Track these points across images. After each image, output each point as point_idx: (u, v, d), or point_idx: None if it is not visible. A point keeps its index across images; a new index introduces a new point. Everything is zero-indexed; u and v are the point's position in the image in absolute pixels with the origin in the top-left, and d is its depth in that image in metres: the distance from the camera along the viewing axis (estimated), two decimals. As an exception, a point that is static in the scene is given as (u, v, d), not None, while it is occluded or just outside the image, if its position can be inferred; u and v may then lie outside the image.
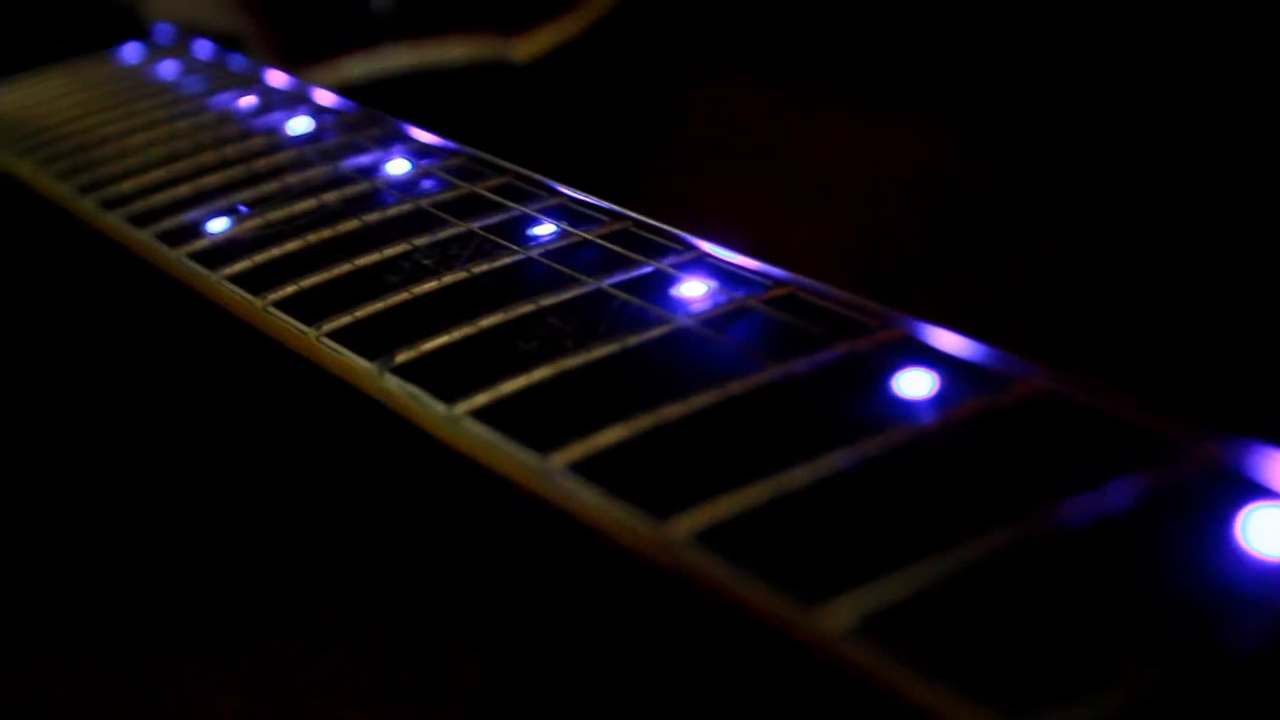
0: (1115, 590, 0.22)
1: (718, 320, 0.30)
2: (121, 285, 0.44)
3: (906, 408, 0.27)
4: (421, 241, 0.36)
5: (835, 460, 0.25)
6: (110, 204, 0.42)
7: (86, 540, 0.41)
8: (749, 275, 0.32)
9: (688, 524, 0.24)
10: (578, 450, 0.27)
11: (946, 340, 0.28)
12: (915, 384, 0.27)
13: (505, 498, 0.28)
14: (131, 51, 0.55)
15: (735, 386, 0.28)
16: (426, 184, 0.39)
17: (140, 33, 0.57)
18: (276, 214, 0.39)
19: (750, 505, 0.25)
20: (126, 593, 0.39)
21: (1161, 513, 0.23)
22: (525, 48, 0.56)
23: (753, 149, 0.60)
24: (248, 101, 0.47)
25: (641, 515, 0.25)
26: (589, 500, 0.26)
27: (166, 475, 0.43)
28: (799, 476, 0.25)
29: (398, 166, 0.41)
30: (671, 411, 0.27)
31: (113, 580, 0.39)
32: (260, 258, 0.37)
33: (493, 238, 0.36)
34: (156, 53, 0.55)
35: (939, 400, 0.27)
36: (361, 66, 0.57)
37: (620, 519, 0.25)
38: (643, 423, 0.27)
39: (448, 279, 0.34)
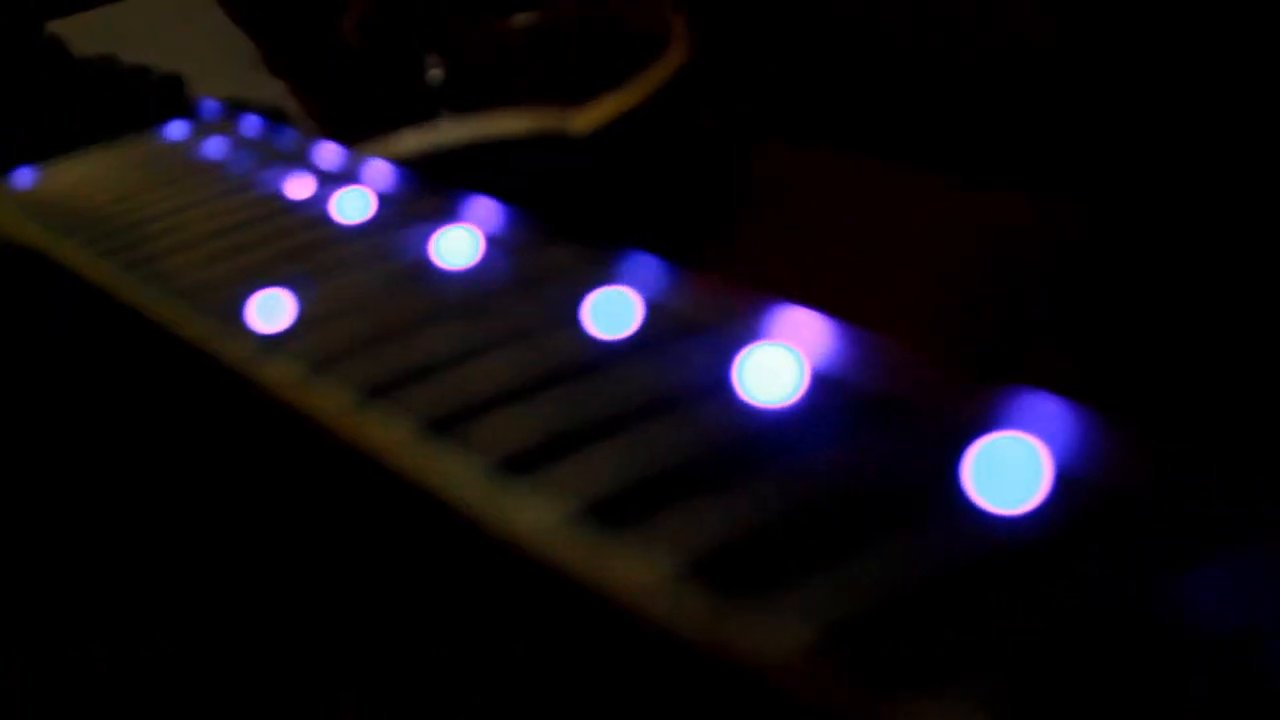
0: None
1: (809, 394, 0.29)
2: (167, 366, 0.42)
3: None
4: (479, 316, 0.34)
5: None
6: (158, 286, 0.41)
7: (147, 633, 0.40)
8: (818, 345, 0.30)
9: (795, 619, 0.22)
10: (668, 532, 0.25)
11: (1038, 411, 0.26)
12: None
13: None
14: (177, 129, 0.54)
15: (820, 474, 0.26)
16: (484, 256, 0.38)
17: (186, 109, 0.56)
18: (333, 293, 0.37)
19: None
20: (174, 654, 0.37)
21: None
22: (585, 119, 0.55)
23: (826, 220, 0.59)
24: (299, 178, 0.46)
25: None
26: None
27: (213, 553, 0.41)
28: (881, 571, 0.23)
29: (455, 240, 0.39)
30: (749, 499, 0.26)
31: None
32: (317, 340, 0.35)
33: (555, 310, 0.34)
34: (202, 129, 0.53)
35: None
36: (416, 141, 0.56)
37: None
38: (726, 497, 0.26)
39: (507, 353, 0.32)
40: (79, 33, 0.73)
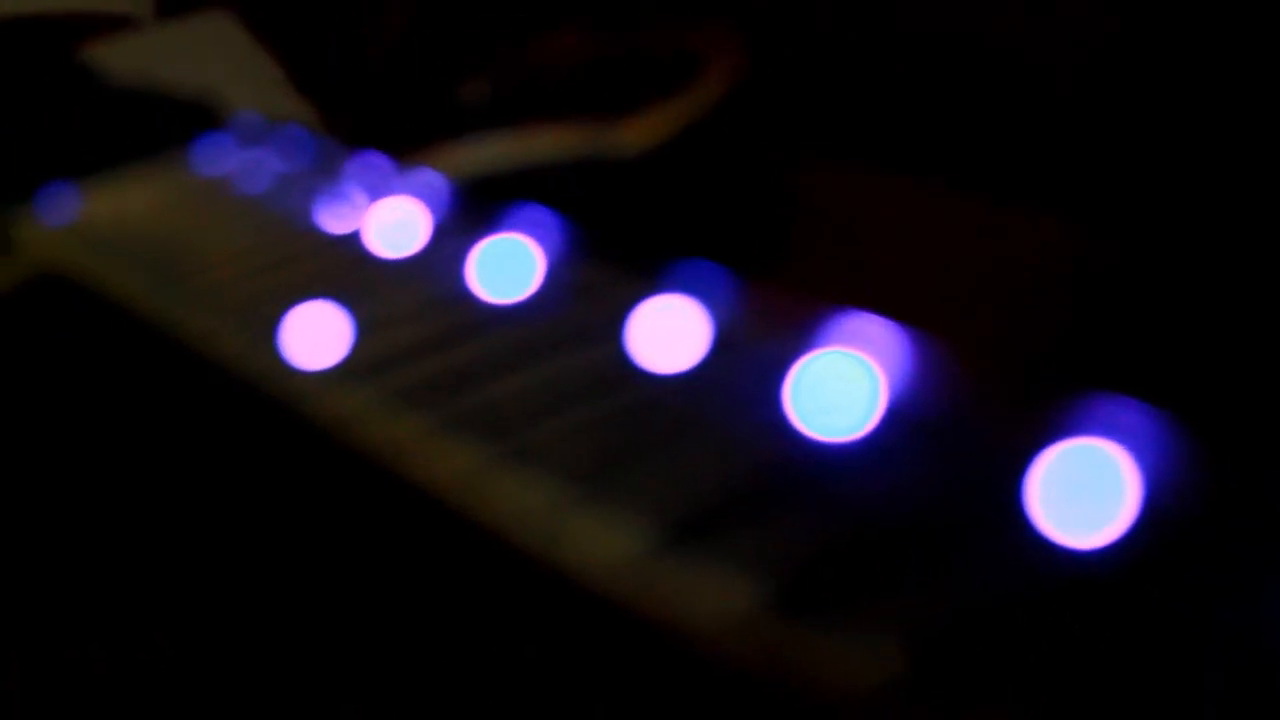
0: None
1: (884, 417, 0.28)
2: (208, 388, 0.42)
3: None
4: (520, 330, 0.34)
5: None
6: (196, 306, 0.40)
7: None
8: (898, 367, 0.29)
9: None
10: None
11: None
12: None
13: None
14: (211, 148, 0.53)
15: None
16: (525, 275, 0.37)
17: (220, 129, 0.56)
18: (375, 314, 0.36)
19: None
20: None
21: None
22: (632, 137, 0.54)
23: (877, 238, 0.59)
24: (333, 196, 0.45)
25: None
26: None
27: (269, 598, 0.41)
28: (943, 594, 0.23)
29: (495, 257, 0.38)
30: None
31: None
32: (361, 360, 0.35)
33: (602, 326, 0.33)
34: (238, 147, 0.53)
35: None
36: (458, 159, 0.55)
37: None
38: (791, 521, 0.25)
39: (554, 368, 0.32)
40: (111, 56, 0.72)
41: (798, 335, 0.31)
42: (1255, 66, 0.61)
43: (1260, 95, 0.61)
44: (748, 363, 0.31)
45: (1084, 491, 0.24)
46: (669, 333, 0.32)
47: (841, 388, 0.29)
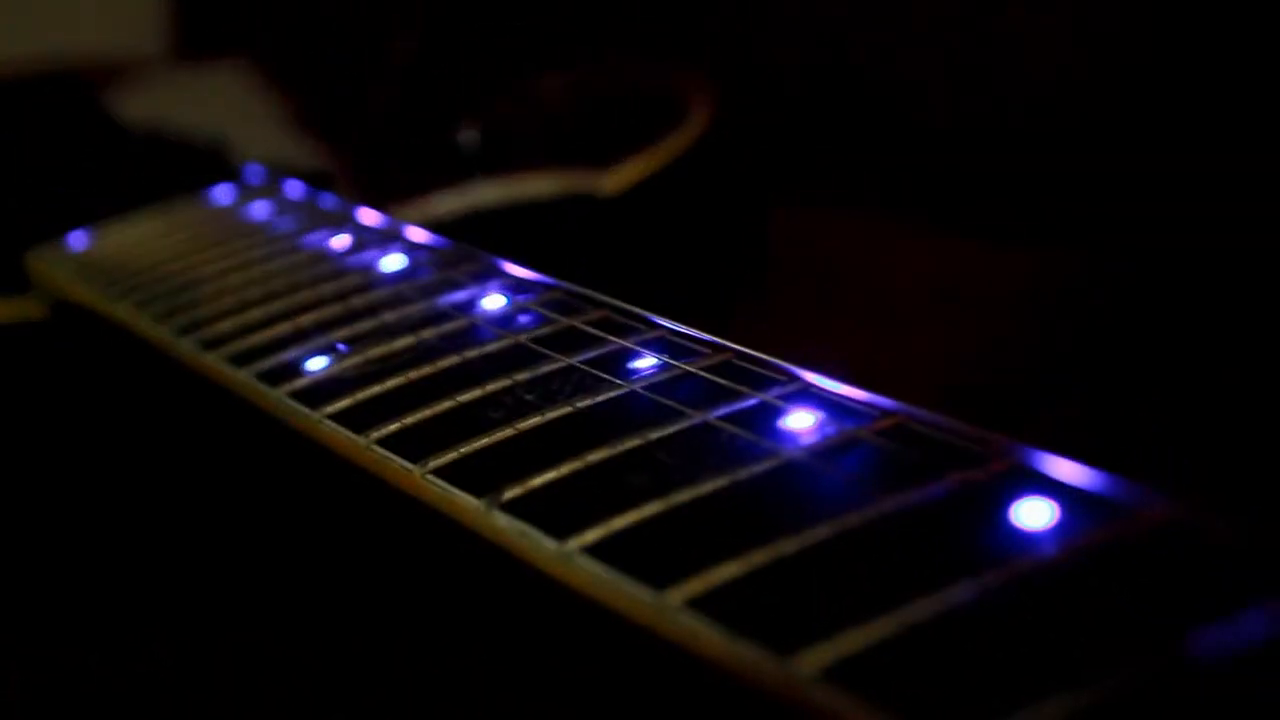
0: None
1: (827, 452, 0.30)
2: (221, 426, 0.44)
3: (1025, 539, 0.26)
4: (522, 377, 0.36)
5: (958, 593, 0.25)
6: (208, 345, 0.42)
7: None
8: (855, 405, 0.32)
9: (813, 660, 0.24)
10: (695, 586, 0.26)
11: (1063, 468, 0.28)
12: (1034, 514, 0.27)
13: (619, 635, 0.28)
14: (223, 192, 0.56)
15: (850, 519, 0.27)
16: (523, 319, 0.39)
17: (231, 174, 0.58)
18: (375, 351, 0.39)
19: (874, 640, 0.24)
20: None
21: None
22: (613, 181, 0.56)
23: (844, 276, 0.60)
24: (341, 240, 0.48)
25: (765, 652, 0.25)
26: (708, 637, 0.25)
27: (267, 609, 0.43)
28: (922, 610, 0.25)
29: (494, 302, 0.41)
30: (787, 545, 0.27)
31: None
32: (361, 395, 0.37)
33: (594, 372, 0.35)
34: (248, 193, 0.55)
35: (1059, 531, 0.26)
36: (451, 203, 0.57)
37: (742, 656, 0.25)
38: (759, 557, 0.27)
39: (551, 414, 0.34)
40: (130, 100, 0.74)
41: (772, 381, 0.33)
42: (1243, 74, 0.62)
43: (1245, 102, 0.62)
44: (749, 419, 0.32)
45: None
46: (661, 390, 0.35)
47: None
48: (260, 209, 0.53)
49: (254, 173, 0.58)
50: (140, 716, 0.41)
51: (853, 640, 0.24)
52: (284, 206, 0.53)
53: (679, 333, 0.37)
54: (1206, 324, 0.55)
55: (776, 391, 0.33)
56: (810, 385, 0.33)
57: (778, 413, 0.32)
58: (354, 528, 0.42)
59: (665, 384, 0.34)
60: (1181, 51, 0.64)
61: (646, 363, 0.35)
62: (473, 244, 0.45)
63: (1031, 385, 0.52)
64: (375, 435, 0.35)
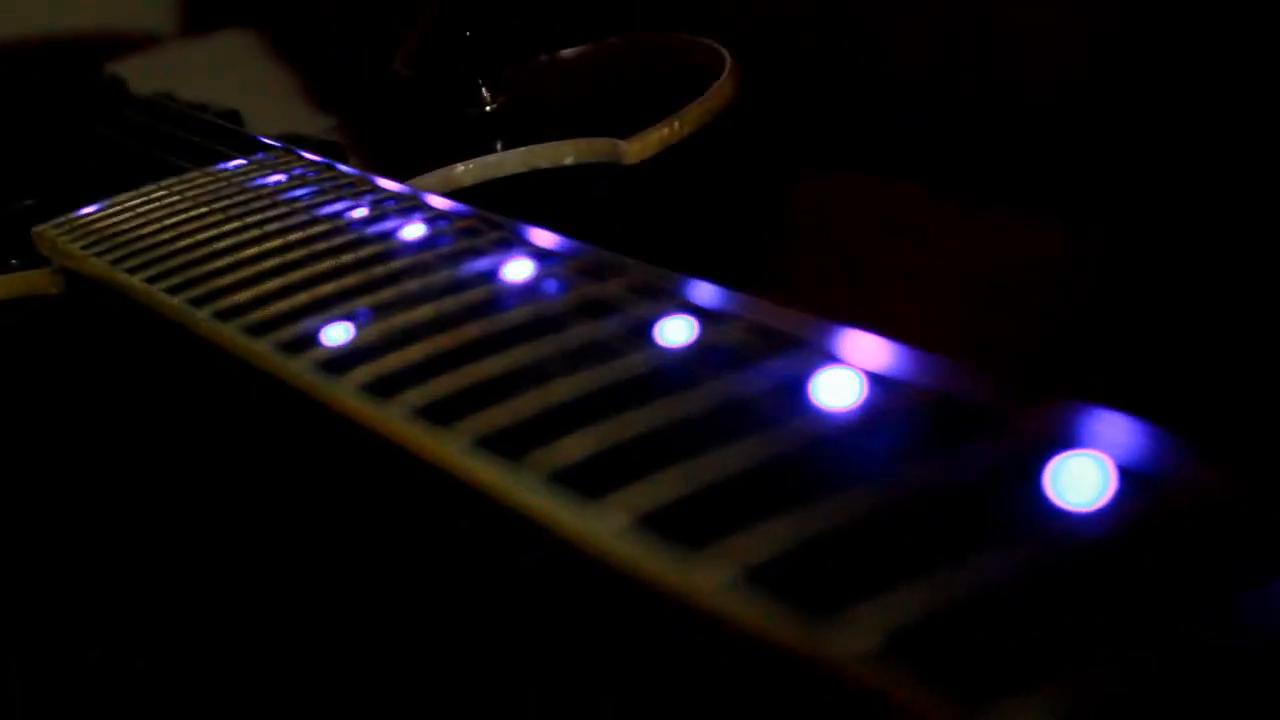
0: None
1: (866, 416, 0.29)
2: (239, 399, 0.43)
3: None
4: (547, 342, 0.35)
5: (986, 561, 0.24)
6: (225, 315, 0.41)
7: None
8: (893, 370, 0.31)
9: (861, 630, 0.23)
10: (737, 551, 0.26)
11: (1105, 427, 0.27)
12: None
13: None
14: (238, 164, 0.55)
15: (891, 484, 0.27)
16: (549, 285, 0.39)
17: (245, 145, 0.57)
18: (398, 320, 0.38)
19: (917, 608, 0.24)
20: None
21: None
22: (635, 150, 0.56)
23: (867, 244, 0.59)
24: (359, 209, 0.47)
25: (807, 618, 0.24)
26: (748, 607, 0.25)
27: (280, 599, 0.42)
28: (960, 579, 0.24)
29: (518, 269, 0.40)
30: (829, 510, 0.26)
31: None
32: (384, 365, 0.36)
33: (623, 336, 0.35)
34: (263, 164, 0.54)
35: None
36: (469, 172, 0.56)
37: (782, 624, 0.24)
38: (800, 522, 0.26)
39: (576, 381, 0.33)
40: (137, 72, 0.74)
41: (799, 342, 0.32)
42: (1249, 69, 0.61)
43: (1251, 98, 0.61)
44: (751, 368, 0.32)
45: (1075, 493, 0.26)
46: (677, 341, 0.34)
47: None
48: (275, 179, 0.52)
49: (268, 143, 0.57)
50: (141, 714, 0.40)
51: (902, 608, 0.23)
52: (300, 176, 0.52)
53: (706, 298, 0.36)
54: (1227, 307, 0.54)
55: (806, 356, 0.32)
56: (842, 349, 0.32)
57: (810, 376, 0.31)
58: (372, 504, 0.41)
59: (693, 349, 0.34)
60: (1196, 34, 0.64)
61: (676, 330, 0.34)
62: (492, 213, 0.44)
63: (1055, 360, 0.52)
64: (400, 403, 0.34)
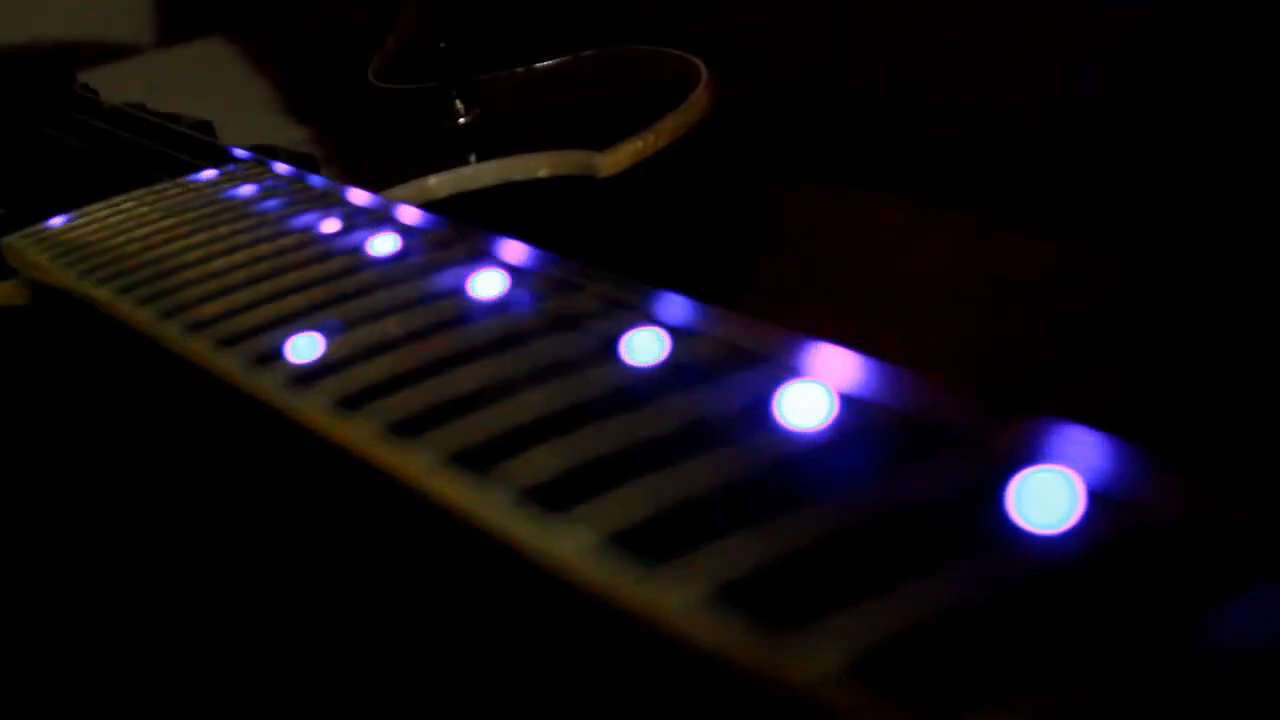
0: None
1: (836, 432, 0.29)
2: (208, 410, 0.43)
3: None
4: (518, 356, 0.35)
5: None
6: (195, 328, 0.41)
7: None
8: (868, 387, 0.30)
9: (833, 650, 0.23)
10: (703, 569, 0.25)
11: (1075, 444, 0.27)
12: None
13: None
14: (209, 175, 0.54)
15: (859, 502, 0.27)
16: (520, 299, 0.38)
17: (216, 155, 0.57)
18: (366, 334, 0.38)
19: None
20: None
21: None
22: (610, 162, 0.56)
23: (847, 261, 0.59)
24: (330, 221, 0.46)
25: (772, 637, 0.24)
26: (714, 625, 0.24)
27: (249, 591, 0.42)
28: (927, 598, 0.24)
29: (489, 282, 0.39)
30: (795, 528, 0.26)
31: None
32: (352, 380, 0.35)
33: (592, 352, 0.34)
34: (234, 175, 0.54)
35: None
36: (443, 184, 0.56)
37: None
38: (766, 540, 0.26)
39: (546, 395, 0.33)
40: (110, 82, 0.73)
41: (769, 357, 0.32)
42: (1250, 79, 0.61)
43: (1251, 107, 0.61)
44: (721, 383, 0.32)
45: (1044, 510, 0.25)
46: (650, 356, 0.34)
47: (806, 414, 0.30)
48: (247, 190, 0.52)
49: (240, 154, 0.57)
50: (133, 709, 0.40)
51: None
52: (270, 188, 0.51)
53: (677, 311, 0.35)
54: (1219, 316, 0.54)
55: (776, 373, 0.31)
56: (815, 364, 0.31)
57: (778, 394, 0.31)
58: (341, 512, 0.41)
59: (665, 364, 0.33)
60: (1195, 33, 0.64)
61: (647, 345, 0.34)
62: (465, 224, 0.44)
63: (1039, 376, 0.52)
64: (367, 419, 0.33)
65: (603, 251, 0.41)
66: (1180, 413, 0.48)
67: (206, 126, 0.64)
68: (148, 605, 0.44)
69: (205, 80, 0.76)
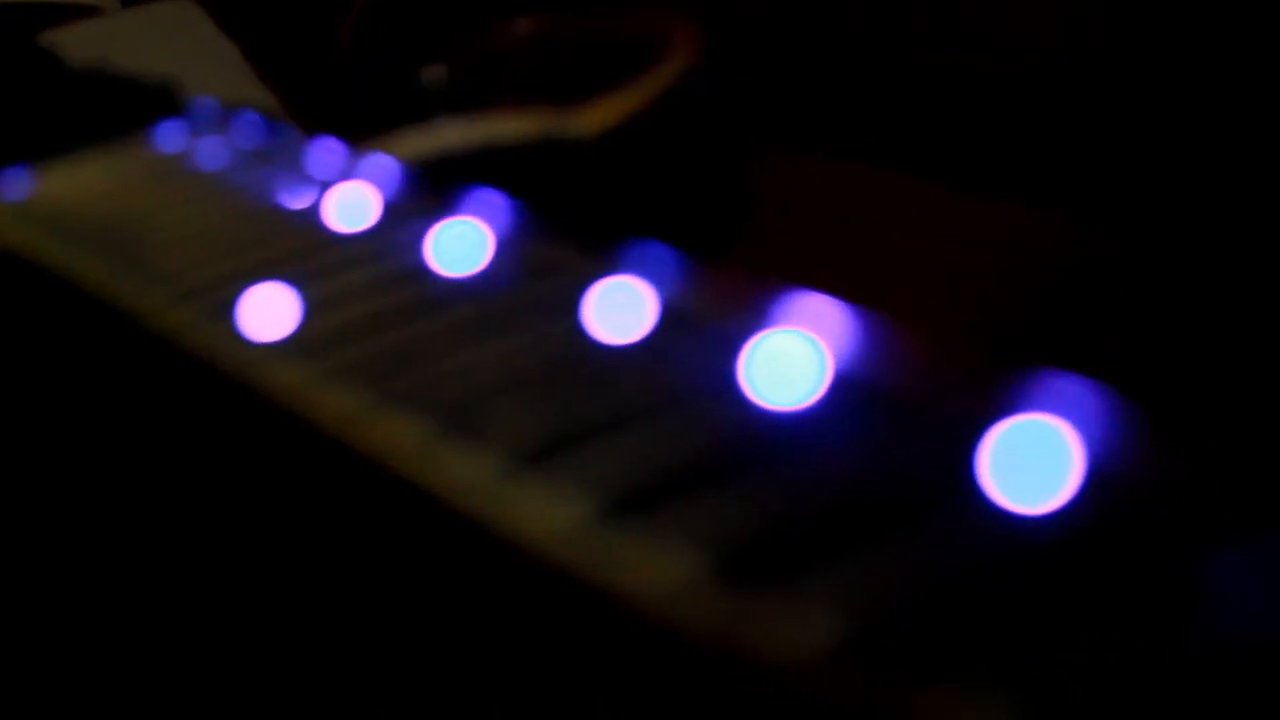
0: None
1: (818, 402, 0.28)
2: (167, 372, 0.42)
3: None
4: (488, 313, 0.34)
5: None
6: (155, 286, 0.40)
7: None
8: (851, 335, 0.29)
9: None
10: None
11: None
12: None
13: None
14: (170, 132, 0.53)
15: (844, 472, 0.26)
16: (496, 257, 0.37)
17: (180, 113, 0.56)
18: (335, 292, 0.36)
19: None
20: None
21: None
22: (588, 121, 0.54)
23: (830, 226, 0.59)
24: (295, 179, 0.45)
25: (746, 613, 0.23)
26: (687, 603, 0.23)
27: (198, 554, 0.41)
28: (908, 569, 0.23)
29: (464, 240, 0.38)
30: (773, 500, 0.25)
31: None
32: (315, 337, 0.34)
33: (563, 308, 0.33)
34: (197, 133, 0.53)
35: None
36: (417, 143, 0.55)
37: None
38: (741, 494, 0.25)
39: (517, 351, 0.32)
40: (72, 41, 0.72)
41: (750, 313, 0.31)
42: (1243, 54, 0.61)
43: (1243, 85, 0.61)
44: (699, 340, 0.31)
45: (1032, 465, 0.24)
46: (621, 310, 0.32)
47: (792, 363, 0.29)
48: (209, 148, 0.51)
49: (204, 112, 0.55)
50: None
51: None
52: (235, 146, 0.50)
53: (656, 263, 0.34)
54: (1201, 286, 0.54)
55: (746, 328, 0.30)
56: (788, 311, 0.30)
57: (741, 349, 0.29)
58: (305, 482, 0.40)
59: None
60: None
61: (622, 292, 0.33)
62: (432, 182, 0.43)
63: (1023, 345, 0.51)
64: (329, 378, 0.32)
65: (579, 213, 0.40)
66: (1161, 384, 0.47)
67: (171, 85, 0.63)
68: (98, 589, 0.42)
69: (170, 40, 0.75)
